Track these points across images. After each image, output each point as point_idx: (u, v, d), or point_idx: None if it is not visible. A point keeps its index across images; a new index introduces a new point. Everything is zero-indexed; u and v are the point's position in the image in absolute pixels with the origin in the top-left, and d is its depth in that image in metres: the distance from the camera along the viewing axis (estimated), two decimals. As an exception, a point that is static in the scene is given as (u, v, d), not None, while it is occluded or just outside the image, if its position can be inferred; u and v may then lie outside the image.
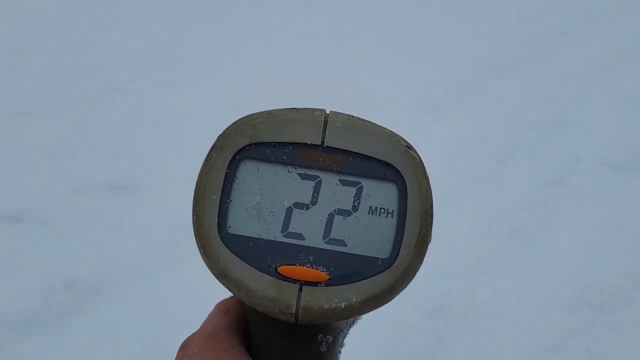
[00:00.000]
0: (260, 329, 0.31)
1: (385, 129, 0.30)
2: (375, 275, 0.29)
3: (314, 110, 0.30)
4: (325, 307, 0.28)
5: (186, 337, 0.33)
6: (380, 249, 0.29)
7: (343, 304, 0.28)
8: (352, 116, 0.30)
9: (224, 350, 0.30)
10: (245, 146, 0.29)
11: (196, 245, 0.30)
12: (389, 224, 0.29)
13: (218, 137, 0.30)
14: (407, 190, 0.29)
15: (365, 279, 0.29)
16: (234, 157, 0.29)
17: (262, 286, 0.28)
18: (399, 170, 0.29)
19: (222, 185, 0.29)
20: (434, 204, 0.31)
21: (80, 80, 2.43)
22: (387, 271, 0.29)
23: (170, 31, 2.92)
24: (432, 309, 1.66)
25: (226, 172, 0.29)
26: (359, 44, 2.91)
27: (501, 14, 3.35)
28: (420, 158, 0.30)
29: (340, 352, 0.33)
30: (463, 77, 2.70)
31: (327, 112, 0.30)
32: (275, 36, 2.92)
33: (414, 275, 0.30)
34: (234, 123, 0.30)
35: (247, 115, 0.30)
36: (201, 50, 2.81)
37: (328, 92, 2.21)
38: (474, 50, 2.91)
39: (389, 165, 0.29)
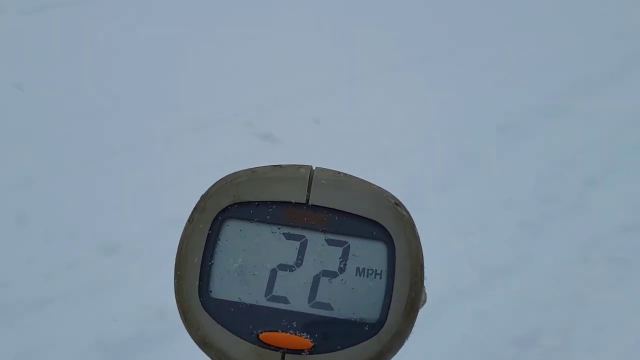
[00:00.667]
0: None
1: (373, 185, 0.30)
2: (361, 342, 0.28)
3: (298, 167, 0.29)
4: None
5: None
6: (367, 313, 0.28)
7: None
8: (339, 172, 0.30)
9: None
10: (228, 206, 0.29)
11: (177, 311, 0.29)
12: (377, 286, 0.28)
13: (201, 198, 0.29)
14: (396, 250, 0.28)
15: (351, 346, 0.28)
16: (216, 218, 0.28)
17: (242, 354, 0.27)
18: (387, 228, 0.28)
19: (204, 247, 0.28)
20: (424, 265, 0.29)
21: (173, 115, 2.58)
22: (374, 337, 0.28)
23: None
24: (526, 338, 1.59)
25: (208, 233, 0.28)
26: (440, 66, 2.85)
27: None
28: (409, 215, 0.29)
29: None
30: (550, 97, 2.59)
31: (313, 168, 0.29)
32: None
33: (403, 342, 0.29)
34: (217, 182, 0.29)
35: (231, 174, 0.30)
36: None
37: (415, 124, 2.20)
38: (562, 68, 2.78)
39: (377, 223, 0.28)
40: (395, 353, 0.28)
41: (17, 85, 2.45)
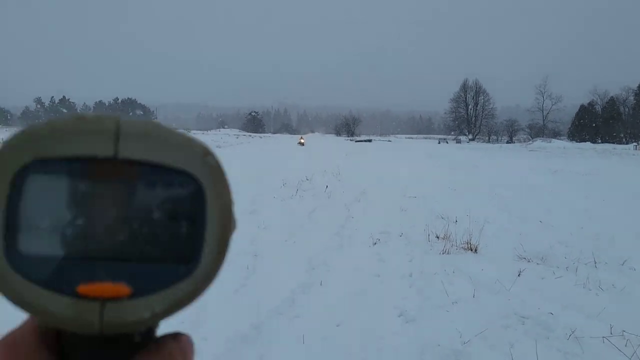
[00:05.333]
0: (67, 335, 0.29)
1: (183, 135, 0.29)
2: (178, 282, 0.28)
3: (104, 118, 0.28)
4: (129, 319, 0.27)
5: None
6: (180, 255, 0.29)
7: (147, 314, 0.28)
8: (147, 122, 0.29)
9: (25, 355, 0.28)
10: (28, 163, 0.27)
11: None
12: (190, 229, 0.29)
13: None
14: (206, 196, 0.29)
15: (168, 287, 0.28)
16: (16, 176, 0.27)
17: (61, 308, 0.27)
18: (196, 176, 0.29)
19: (5, 207, 0.27)
20: (233, 207, 0.30)
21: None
22: (190, 277, 0.29)
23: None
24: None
25: (8, 193, 0.27)
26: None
27: None
28: (218, 163, 0.30)
29: (158, 327, 0.32)
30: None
31: (120, 118, 0.28)
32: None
33: (215, 277, 0.30)
34: (12, 137, 0.27)
35: (26, 128, 0.27)
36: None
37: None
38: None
39: (186, 172, 0.28)
40: (208, 288, 0.29)
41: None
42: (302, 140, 37.03)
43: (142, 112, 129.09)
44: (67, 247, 0.27)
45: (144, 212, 0.28)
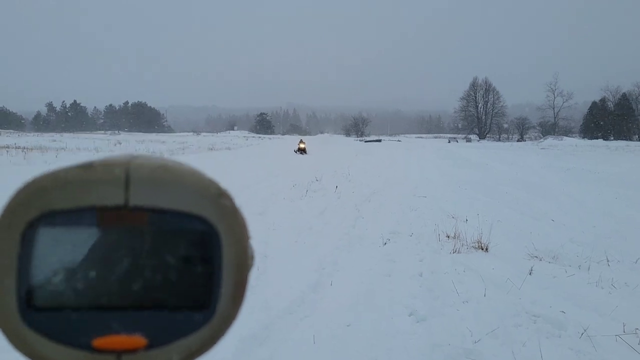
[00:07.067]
0: None
1: (197, 175, 0.28)
2: (194, 331, 0.28)
3: (112, 166, 0.27)
4: None
5: None
6: (196, 301, 0.28)
7: None
8: (158, 166, 0.27)
9: None
10: (36, 218, 0.26)
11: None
12: (204, 274, 0.28)
13: (2, 213, 0.26)
14: (220, 239, 0.28)
15: (185, 336, 0.28)
16: (25, 232, 0.26)
17: None
18: (209, 219, 0.28)
19: (16, 265, 0.26)
20: (250, 246, 0.29)
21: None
22: (206, 325, 0.28)
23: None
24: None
25: (19, 249, 0.26)
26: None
27: None
28: (232, 203, 0.29)
29: None
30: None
31: (129, 164, 0.27)
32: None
33: (233, 322, 0.29)
34: (17, 193, 0.26)
35: (30, 181, 0.27)
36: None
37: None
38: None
39: (199, 216, 0.28)
40: (225, 334, 0.29)
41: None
42: (303, 145, 23.82)
43: (151, 115, 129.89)
44: (80, 299, 0.26)
45: (156, 259, 0.27)
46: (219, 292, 0.28)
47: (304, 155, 22.13)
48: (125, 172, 0.27)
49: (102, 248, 0.27)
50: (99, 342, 0.26)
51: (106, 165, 0.27)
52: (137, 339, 0.26)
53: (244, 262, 0.29)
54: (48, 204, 0.26)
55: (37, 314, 0.26)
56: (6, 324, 0.26)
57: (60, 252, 0.26)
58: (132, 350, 0.26)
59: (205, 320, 0.28)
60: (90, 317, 0.26)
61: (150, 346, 0.27)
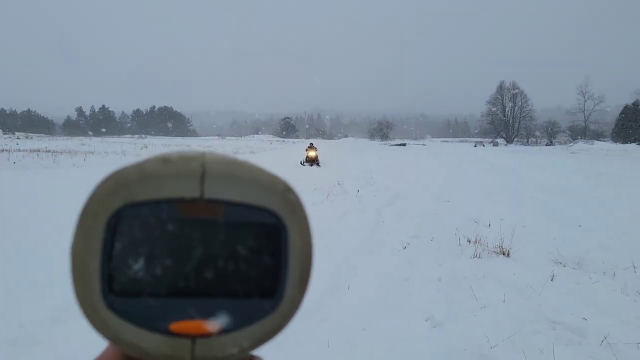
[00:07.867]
0: None
1: (265, 172, 0.30)
2: (263, 317, 0.30)
3: (189, 160, 0.29)
4: (219, 355, 0.29)
5: None
6: (265, 289, 0.30)
7: (235, 349, 0.29)
8: (231, 162, 0.29)
9: None
10: (120, 207, 0.28)
11: (81, 313, 0.28)
12: (272, 264, 0.30)
13: (89, 199, 0.28)
14: (288, 232, 0.30)
15: (254, 322, 0.29)
16: (109, 221, 0.28)
17: (154, 345, 0.28)
18: (278, 212, 0.30)
19: (100, 251, 0.28)
20: (313, 242, 0.31)
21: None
22: (274, 312, 0.30)
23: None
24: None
25: (104, 236, 0.28)
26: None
27: None
28: (298, 198, 0.31)
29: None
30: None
31: (205, 158, 0.29)
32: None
33: (298, 310, 0.31)
34: (104, 182, 0.28)
35: (117, 171, 0.28)
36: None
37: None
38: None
39: (269, 209, 0.30)
40: (291, 321, 0.31)
41: None
42: (313, 154, 18.40)
43: (176, 120, 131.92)
44: (157, 286, 0.28)
45: (229, 249, 0.29)
46: (286, 280, 0.30)
47: (316, 169, 16.67)
48: (201, 166, 0.28)
49: (178, 238, 0.28)
50: (175, 326, 0.28)
51: (184, 160, 0.28)
52: (211, 325, 0.28)
53: (308, 252, 0.30)
54: (132, 194, 0.28)
55: (118, 298, 0.28)
56: (90, 306, 0.28)
57: (140, 241, 0.28)
58: (206, 335, 0.28)
59: (273, 307, 0.29)
60: (167, 302, 0.28)
61: (222, 332, 0.28)
